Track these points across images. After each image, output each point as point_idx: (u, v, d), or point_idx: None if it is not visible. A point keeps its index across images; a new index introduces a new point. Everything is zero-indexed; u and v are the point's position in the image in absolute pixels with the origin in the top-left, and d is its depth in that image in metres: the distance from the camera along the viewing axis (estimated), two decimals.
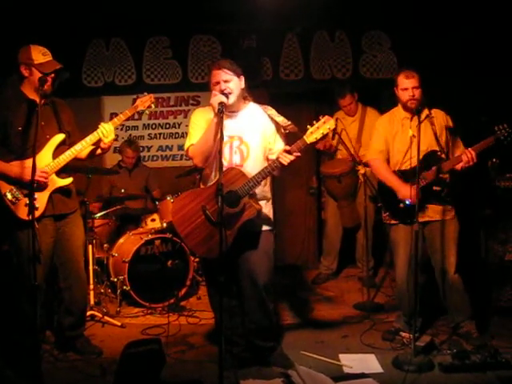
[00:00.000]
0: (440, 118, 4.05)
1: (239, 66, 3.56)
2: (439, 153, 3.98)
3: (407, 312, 4.03)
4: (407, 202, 3.91)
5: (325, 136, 3.41)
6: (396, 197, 3.98)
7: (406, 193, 3.90)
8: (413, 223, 3.86)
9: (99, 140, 3.76)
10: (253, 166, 3.53)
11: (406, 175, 4.01)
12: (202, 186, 3.69)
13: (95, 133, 3.73)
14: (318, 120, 3.36)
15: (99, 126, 3.74)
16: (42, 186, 3.60)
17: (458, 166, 3.88)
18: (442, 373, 3.59)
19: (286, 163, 3.34)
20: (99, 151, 3.91)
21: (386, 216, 4.12)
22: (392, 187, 4.01)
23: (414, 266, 3.78)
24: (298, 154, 3.34)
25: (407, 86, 3.95)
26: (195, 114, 3.71)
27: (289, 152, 3.33)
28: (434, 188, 3.98)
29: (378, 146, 4.12)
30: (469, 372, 3.56)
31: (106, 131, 3.73)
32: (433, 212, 4.02)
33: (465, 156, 3.83)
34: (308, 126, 3.36)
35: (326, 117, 3.37)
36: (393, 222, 4.08)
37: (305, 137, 3.35)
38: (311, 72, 6.45)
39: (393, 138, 4.09)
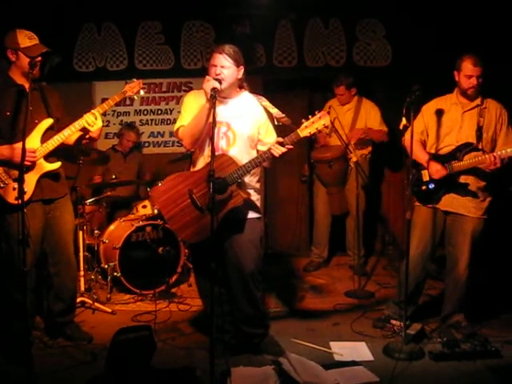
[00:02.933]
0: (493, 109, 3.90)
1: (242, 57, 3.51)
2: (476, 145, 3.83)
3: (402, 297, 3.85)
4: (430, 187, 3.90)
5: (319, 131, 3.42)
6: (421, 180, 3.96)
7: (433, 169, 3.89)
8: (434, 208, 3.92)
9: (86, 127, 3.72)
10: (238, 153, 3.51)
11: (439, 159, 3.94)
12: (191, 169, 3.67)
13: (80, 120, 3.68)
14: (313, 115, 3.36)
15: (84, 116, 3.69)
16: (31, 166, 3.57)
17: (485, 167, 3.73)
18: (432, 361, 3.62)
19: (277, 155, 3.34)
20: (87, 137, 3.85)
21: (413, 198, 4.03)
22: (422, 163, 3.96)
23: (406, 254, 3.80)
24: (291, 146, 3.35)
25: (473, 73, 3.80)
26: (188, 96, 3.69)
27: (281, 144, 3.34)
28: (461, 180, 3.89)
29: (416, 128, 3.92)
30: (458, 360, 3.59)
31: (91, 120, 3.69)
32: (457, 204, 3.91)
33: (488, 158, 3.69)
34: (303, 120, 3.37)
35: (322, 113, 3.37)
36: (416, 203, 4.03)
37: (299, 130, 3.36)
38: (305, 59, 6.41)
39: (434, 123, 4.00)
